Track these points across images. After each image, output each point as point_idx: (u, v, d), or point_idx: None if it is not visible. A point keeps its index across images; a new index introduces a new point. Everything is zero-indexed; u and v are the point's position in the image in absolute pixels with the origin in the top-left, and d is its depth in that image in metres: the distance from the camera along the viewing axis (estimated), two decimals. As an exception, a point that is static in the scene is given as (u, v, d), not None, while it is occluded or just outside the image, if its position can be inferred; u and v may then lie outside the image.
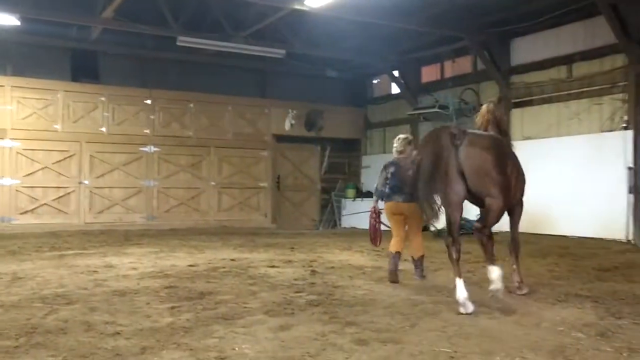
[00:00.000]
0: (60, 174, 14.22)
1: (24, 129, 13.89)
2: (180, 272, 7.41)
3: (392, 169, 7.10)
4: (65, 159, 14.26)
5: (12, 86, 13.78)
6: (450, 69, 15.60)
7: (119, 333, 4.40)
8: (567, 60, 12.38)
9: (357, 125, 18.51)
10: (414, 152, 6.56)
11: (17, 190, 13.75)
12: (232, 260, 8.66)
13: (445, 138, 5.39)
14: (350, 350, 3.95)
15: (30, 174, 13.93)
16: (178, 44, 13.49)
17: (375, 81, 18.71)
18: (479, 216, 6.59)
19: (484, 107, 6.50)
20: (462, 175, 5.35)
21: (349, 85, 18.73)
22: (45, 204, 14.06)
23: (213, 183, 16.02)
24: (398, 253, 6.94)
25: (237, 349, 4.00)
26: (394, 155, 7.28)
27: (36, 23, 13.00)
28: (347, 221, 17.56)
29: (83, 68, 14.87)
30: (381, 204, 7.32)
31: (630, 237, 10.79)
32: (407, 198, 6.79)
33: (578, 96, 12.14)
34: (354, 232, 15.05)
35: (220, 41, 13.76)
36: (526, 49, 13.39)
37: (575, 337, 4.30)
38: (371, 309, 5.25)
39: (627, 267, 8.09)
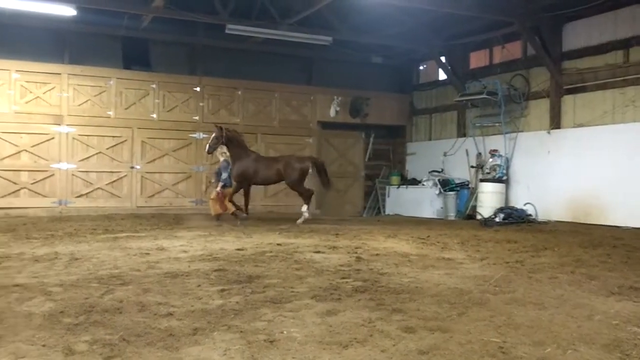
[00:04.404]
0: (113, 159, 14.68)
1: (80, 115, 14.38)
2: (229, 256, 7.55)
3: (230, 166, 12.01)
4: (118, 144, 14.69)
5: (68, 74, 14.26)
6: (500, 54, 15.27)
7: (171, 314, 4.49)
8: (624, 44, 11.95)
9: (403, 112, 18.39)
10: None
11: (73, 175, 14.29)
12: (279, 245, 8.76)
13: None
14: (397, 337, 3.96)
15: (85, 158, 14.43)
16: (227, 31, 13.67)
17: (421, 67, 18.50)
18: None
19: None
20: None
21: (394, 72, 18.58)
22: (99, 187, 14.55)
23: (259, 169, 16.21)
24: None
25: (285, 332, 4.05)
26: (225, 157, 12.13)
27: (90, 12, 13.40)
28: (391, 208, 17.51)
29: (134, 56, 15.26)
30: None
31: (688, 229, 10.41)
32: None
33: (634, 82, 11.72)
34: (398, 220, 15.00)
35: (267, 29, 13.87)
36: (579, 34, 12.98)
37: (632, 332, 4.16)
38: (418, 297, 5.24)
39: (684, 259, 7.81)
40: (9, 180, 13.74)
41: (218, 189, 12.06)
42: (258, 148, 16.20)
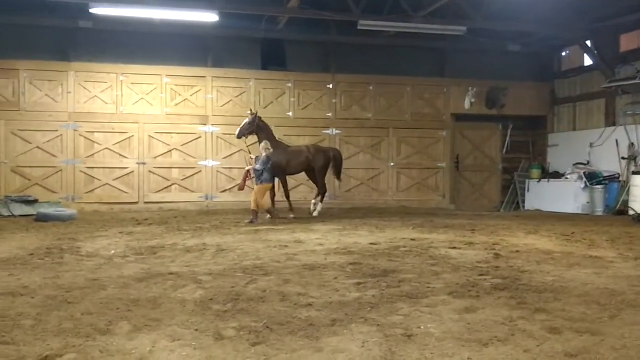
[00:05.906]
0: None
1: (223, 116, 15.33)
2: (363, 250, 7.65)
3: (271, 162, 11.47)
4: (257, 142, 15.39)
5: (212, 77, 15.29)
6: (657, 34, 13.92)
7: (310, 304, 4.65)
8: None
9: (543, 102, 17.41)
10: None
11: (217, 171, 15.31)
12: (413, 240, 8.71)
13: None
14: (541, 338, 3.79)
15: (228, 156, 15.36)
16: (359, 27, 13.80)
17: (563, 53, 17.36)
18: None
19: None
20: None
21: (533, 59, 17.60)
22: (240, 183, 15.43)
23: (392, 164, 16.23)
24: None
25: (422, 327, 4.03)
26: (267, 153, 11.48)
27: (231, 18, 14.19)
28: (531, 203, 16.67)
29: (271, 57, 15.94)
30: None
31: None
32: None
33: None
34: (539, 215, 14.25)
35: (400, 22, 13.80)
36: None
37: None
38: (563, 296, 4.97)
39: None
40: (162, 177, 15.02)
41: (248, 168, 11.95)
42: (390, 143, 16.25)
